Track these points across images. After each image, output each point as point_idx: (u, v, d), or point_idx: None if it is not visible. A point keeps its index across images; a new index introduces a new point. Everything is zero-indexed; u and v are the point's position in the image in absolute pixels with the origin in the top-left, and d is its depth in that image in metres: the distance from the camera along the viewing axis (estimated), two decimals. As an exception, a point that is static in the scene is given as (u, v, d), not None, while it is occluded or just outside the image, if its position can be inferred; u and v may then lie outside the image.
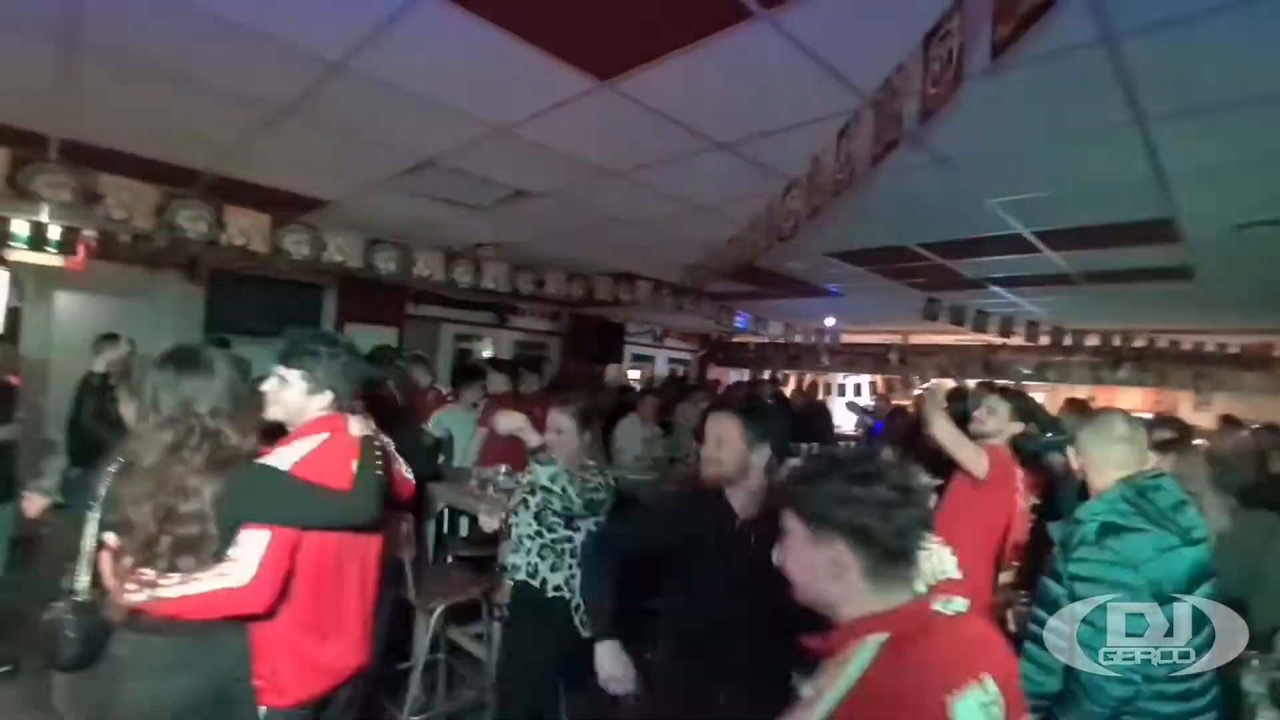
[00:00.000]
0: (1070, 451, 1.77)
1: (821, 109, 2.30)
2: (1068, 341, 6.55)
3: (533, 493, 2.24)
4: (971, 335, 7.22)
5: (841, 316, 8.23)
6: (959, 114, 2.04)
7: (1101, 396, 9.09)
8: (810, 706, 0.87)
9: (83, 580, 1.46)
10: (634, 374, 10.73)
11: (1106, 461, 1.65)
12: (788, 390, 8.64)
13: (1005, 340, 6.54)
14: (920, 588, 0.95)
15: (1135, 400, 8.40)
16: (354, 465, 1.54)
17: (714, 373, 11.84)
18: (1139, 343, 6.95)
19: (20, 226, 4.79)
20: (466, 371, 4.66)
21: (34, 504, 2.07)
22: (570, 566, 2.20)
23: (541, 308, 8.78)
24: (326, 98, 2.50)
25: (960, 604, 0.95)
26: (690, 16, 1.81)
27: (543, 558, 2.22)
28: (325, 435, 1.56)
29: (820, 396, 9.23)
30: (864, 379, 11.14)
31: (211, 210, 3.47)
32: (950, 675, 0.84)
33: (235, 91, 2.51)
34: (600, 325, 9.45)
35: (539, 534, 2.23)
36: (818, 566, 0.94)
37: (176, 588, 1.40)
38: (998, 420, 2.60)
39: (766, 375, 10.06)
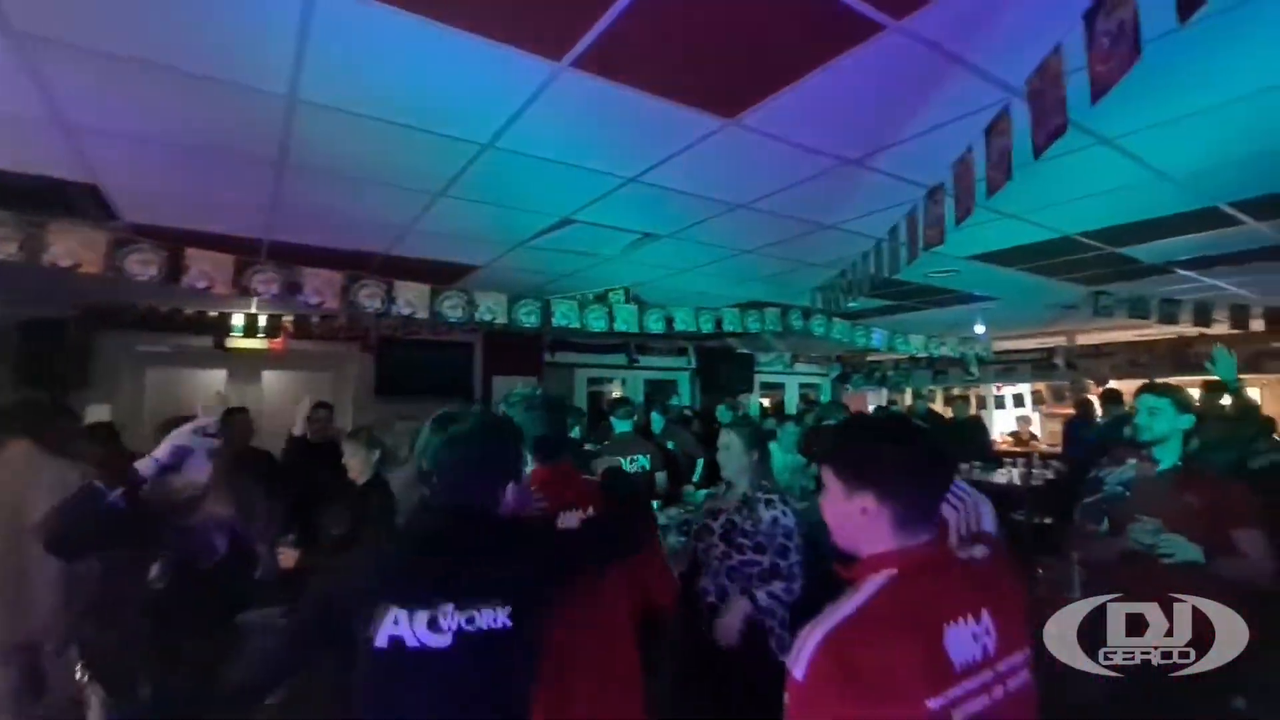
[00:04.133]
0: None
1: (959, 109, 2.19)
2: (1290, 323, 5.50)
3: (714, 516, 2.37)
4: (1157, 329, 6.30)
5: (991, 323, 7.54)
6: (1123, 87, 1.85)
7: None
8: (819, 623, 0.95)
9: None
10: (765, 401, 10.53)
11: None
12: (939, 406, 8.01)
13: (1203, 330, 5.62)
14: (926, 535, 1.04)
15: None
16: None
17: (850, 396, 11.29)
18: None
19: (238, 319, 5.77)
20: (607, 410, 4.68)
21: (289, 556, 2.39)
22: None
23: (670, 344, 8.91)
24: (475, 176, 2.78)
25: (979, 550, 1.17)
26: (813, 44, 1.82)
27: (731, 579, 2.26)
28: None
29: (974, 411, 8.47)
30: (1024, 388, 10.09)
31: (384, 286, 3.92)
32: (948, 608, 0.97)
33: (402, 183, 2.87)
34: (729, 357, 9.41)
35: (727, 556, 2.29)
36: (850, 515, 1.06)
37: None
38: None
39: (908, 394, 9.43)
